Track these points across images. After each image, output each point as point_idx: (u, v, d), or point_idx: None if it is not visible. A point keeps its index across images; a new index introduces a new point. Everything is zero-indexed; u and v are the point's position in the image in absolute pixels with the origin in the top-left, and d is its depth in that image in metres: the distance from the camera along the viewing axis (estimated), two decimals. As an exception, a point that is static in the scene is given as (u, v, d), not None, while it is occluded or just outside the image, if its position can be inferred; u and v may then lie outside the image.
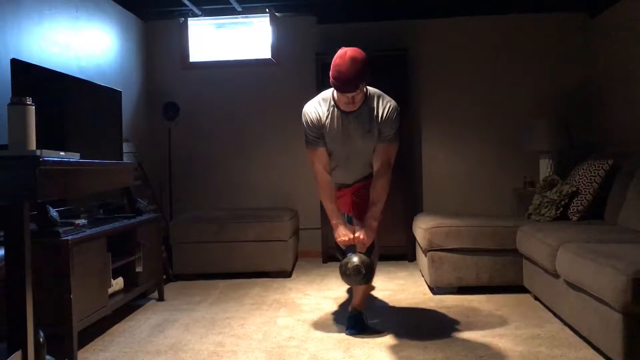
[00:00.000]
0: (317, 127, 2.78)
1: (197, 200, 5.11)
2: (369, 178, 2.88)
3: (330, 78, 2.62)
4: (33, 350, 1.75)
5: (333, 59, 2.62)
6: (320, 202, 3.23)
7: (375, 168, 2.83)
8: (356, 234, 2.78)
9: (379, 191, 2.79)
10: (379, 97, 2.79)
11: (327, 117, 2.77)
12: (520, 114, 4.89)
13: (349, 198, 3.02)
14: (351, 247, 2.80)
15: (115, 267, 3.00)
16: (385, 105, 2.77)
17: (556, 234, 3.04)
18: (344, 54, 2.59)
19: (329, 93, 2.80)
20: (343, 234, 2.79)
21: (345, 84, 2.58)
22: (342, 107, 2.73)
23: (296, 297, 3.66)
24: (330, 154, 2.86)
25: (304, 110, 2.83)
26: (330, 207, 2.85)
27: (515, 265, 3.58)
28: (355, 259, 2.69)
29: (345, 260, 2.73)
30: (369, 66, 2.62)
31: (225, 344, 2.74)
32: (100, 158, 2.92)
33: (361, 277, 2.68)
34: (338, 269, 2.78)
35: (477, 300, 3.46)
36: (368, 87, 2.78)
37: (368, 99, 2.76)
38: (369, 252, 2.78)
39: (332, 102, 2.76)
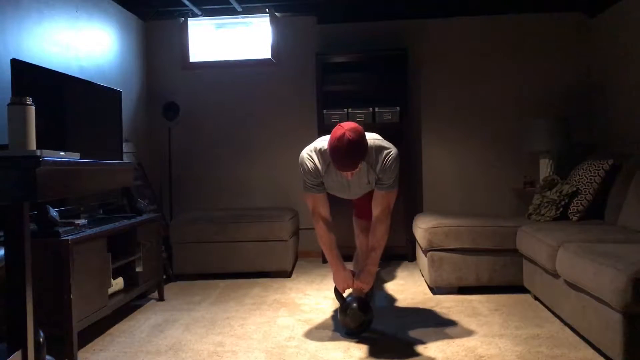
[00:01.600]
0: (315, 176, 2.83)
1: (197, 200, 5.11)
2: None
3: (330, 155, 2.64)
4: (33, 350, 1.75)
5: (331, 137, 2.61)
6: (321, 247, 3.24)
7: (374, 214, 2.87)
8: (355, 281, 2.86)
9: (378, 237, 2.84)
10: (377, 151, 2.79)
11: (325, 171, 2.82)
12: (520, 114, 4.89)
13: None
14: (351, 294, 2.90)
15: (115, 267, 3.00)
16: (384, 159, 2.78)
17: (556, 234, 3.04)
18: (341, 137, 2.56)
19: (326, 143, 2.76)
20: (343, 281, 2.87)
21: (345, 166, 2.62)
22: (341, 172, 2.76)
23: (296, 297, 3.66)
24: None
25: (301, 158, 2.85)
26: (330, 255, 2.91)
27: (515, 265, 3.58)
28: (354, 305, 2.77)
29: (345, 305, 2.81)
30: (366, 143, 2.64)
31: (225, 344, 2.74)
32: (100, 158, 2.92)
33: (360, 323, 2.77)
34: (337, 313, 2.87)
35: (477, 300, 3.46)
36: (369, 140, 2.74)
37: (367, 155, 2.74)
38: (368, 296, 2.86)
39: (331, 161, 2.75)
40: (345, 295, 2.91)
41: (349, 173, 2.67)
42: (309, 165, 2.80)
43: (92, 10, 4.05)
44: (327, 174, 2.82)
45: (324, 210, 2.88)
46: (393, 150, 2.82)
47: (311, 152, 2.84)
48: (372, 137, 2.81)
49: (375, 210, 2.86)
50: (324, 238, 2.89)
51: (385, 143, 2.84)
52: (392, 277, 4.18)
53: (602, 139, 4.62)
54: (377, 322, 3.00)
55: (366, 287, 2.85)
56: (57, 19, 3.56)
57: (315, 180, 2.83)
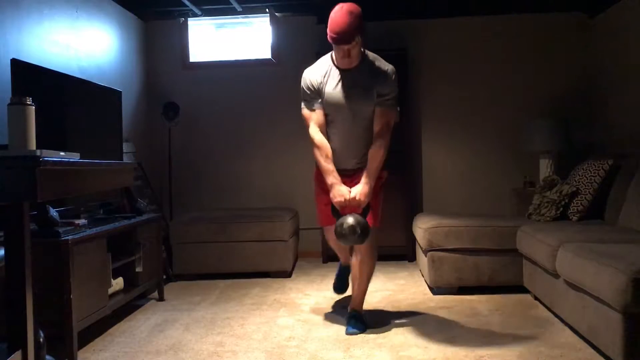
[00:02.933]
0: (316, 86, 2.84)
1: (197, 200, 5.11)
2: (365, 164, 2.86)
3: (328, 32, 2.71)
4: (33, 350, 1.75)
5: (330, 14, 2.71)
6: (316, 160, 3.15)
7: (375, 130, 2.85)
8: (352, 194, 2.75)
9: (377, 150, 2.80)
10: (376, 59, 2.88)
11: (325, 75, 2.84)
12: (520, 114, 4.89)
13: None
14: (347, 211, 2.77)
15: (115, 267, 3.00)
16: (383, 67, 2.86)
17: (556, 234, 3.04)
18: (340, 8, 2.70)
19: (327, 56, 2.89)
20: (339, 195, 2.76)
21: (341, 35, 2.67)
22: (340, 63, 2.81)
23: (296, 297, 3.66)
24: (327, 124, 2.87)
25: (303, 73, 2.91)
26: (325, 167, 2.82)
27: (515, 265, 3.58)
28: (350, 219, 2.66)
29: (340, 220, 2.70)
30: (364, 21, 2.73)
31: (225, 344, 2.74)
32: (100, 158, 2.92)
33: (357, 237, 2.65)
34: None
35: (477, 300, 3.46)
36: (367, 52, 2.87)
37: (366, 59, 2.84)
38: (365, 213, 2.75)
39: (331, 62, 2.85)
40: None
41: (346, 50, 2.70)
42: (310, 74, 2.87)
43: (92, 10, 4.05)
44: (328, 78, 2.83)
45: (320, 121, 2.84)
46: (391, 65, 2.90)
47: (313, 65, 2.92)
48: (371, 52, 2.93)
49: (376, 127, 2.83)
50: (321, 147, 2.82)
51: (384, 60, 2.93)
52: (392, 277, 4.18)
53: (602, 139, 4.62)
54: (377, 322, 3.00)
55: (363, 199, 2.74)
56: (57, 19, 3.56)
57: (313, 90, 2.84)
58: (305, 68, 2.94)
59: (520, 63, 4.94)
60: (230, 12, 4.92)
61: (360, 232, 2.64)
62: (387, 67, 2.87)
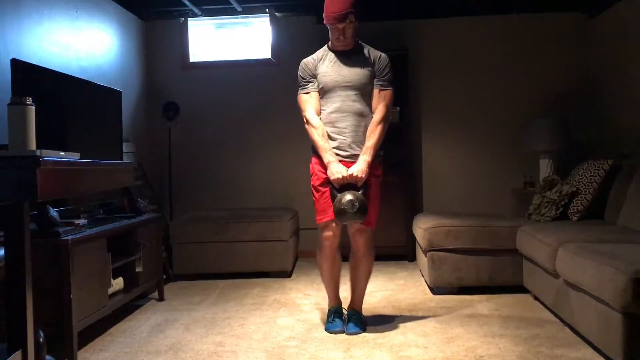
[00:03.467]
0: (311, 68, 2.92)
1: (197, 200, 5.11)
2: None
3: (323, 13, 2.80)
4: (33, 350, 1.75)
5: None
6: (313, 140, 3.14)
7: (373, 106, 2.90)
8: (349, 171, 2.75)
9: (376, 124, 2.83)
10: (370, 48, 2.98)
11: (321, 58, 2.93)
12: (520, 113, 4.89)
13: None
14: (345, 187, 2.76)
15: (115, 267, 3.00)
16: (377, 53, 2.95)
17: (556, 234, 3.04)
18: None
19: (324, 45, 2.99)
20: (337, 172, 2.75)
21: (335, 14, 2.76)
22: (335, 45, 2.90)
23: (296, 297, 3.66)
24: (322, 109, 2.91)
25: (301, 62, 2.98)
26: (322, 144, 2.82)
27: (515, 265, 3.58)
28: (348, 195, 2.66)
29: (339, 197, 2.70)
30: (358, 2, 2.80)
31: (225, 344, 2.74)
32: (100, 158, 2.91)
33: (355, 212, 2.64)
34: (332, 206, 2.74)
35: (477, 300, 3.45)
36: (362, 42, 2.96)
37: (360, 45, 2.95)
38: (364, 190, 2.74)
39: (327, 48, 2.95)
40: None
41: (340, 28, 2.78)
42: (307, 61, 2.96)
43: (92, 10, 4.05)
44: (324, 61, 2.91)
45: (316, 104, 2.90)
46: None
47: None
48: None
49: (374, 104, 2.89)
50: (318, 129, 2.84)
51: None
52: (392, 277, 4.18)
53: (602, 139, 4.62)
54: (377, 322, 3.00)
55: (361, 176, 2.73)
56: (57, 19, 3.56)
57: (310, 73, 2.91)
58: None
59: (520, 63, 4.94)
60: (230, 12, 4.92)
61: (359, 207, 2.64)
62: (381, 53, 2.97)
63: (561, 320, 2.95)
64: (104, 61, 4.24)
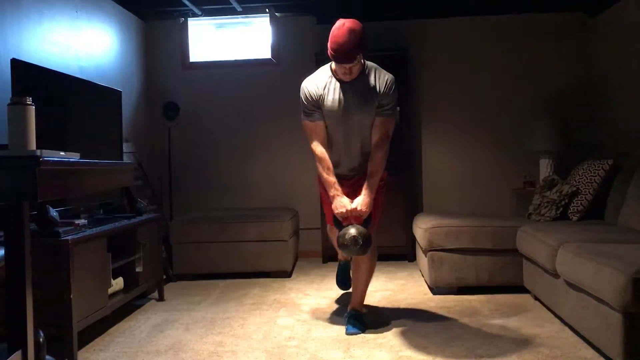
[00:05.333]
0: (315, 98, 2.82)
1: (197, 200, 5.11)
2: (366, 169, 2.87)
3: (329, 49, 2.68)
4: (33, 350, 1.75)
5: (331, 30, 2.67)
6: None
7: (373, 140, 2.84)
8: (353, 205, 2.76)
9: (377, 162, 2.80)
10: (376, 69, 2.85)
11: (325, 87, 2.82)
12: (520, 114, 4.89)
13: (346, 193, 2.99)
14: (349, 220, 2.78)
15: (115, 267, 3.00)
16: (383, 78, 2.82)
17: (556, 234, 3.04)
18: (342, 25, 2.65)
19: (327, 66, 2.86)
20: (341, 206, 2.77)
21: (343, 54, 2.64)
22: (340, 77, 2.79)
23: (296, 297, 3.66)
24: (327, 134, 2.87)
25: (302, 84, 2.88)
26: (327, 179, 2.83)
27: (515, 265, 3.58)
28: (352, 230, 2.67)
29: (342, 231, 2.71)
30: (366, 37, 2.68)
31: (225, 344, 2.74)
32: (100, 158, 2.92)
33: (358, 248, 2.65)
34: (335, 240, 2.77)
35: (477, 300, 3.45)
36: (367, 62, 2.84)
37: (365, 70, 2.82)
38: (366, 223, 2.75)
39: (330, 73, 2.83)
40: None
41: (347, 67, 2.68)
42: (309, 86, 2.84)
43: (92, 10, 4.05)
44: (327, 90, 2.81)
45: (321, 135, 2.85)
46: (390, 74, 2.88)
47: (312, 75, 2.90)
48: (371, 62, 2.89)
49: (375, 137, 2.83)
50: (322, 160, 2.84)
51: (383, 69, 2.90)
52: (392, 277, 4.18)
53: (602, 139, 4.62)
54: (377, 322, 3.00)
55: (365, 211, 2.75)
56: (57, 19, 3.56)
57: (313, 103, 2.82)
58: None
59: (520, 63, 4.94)
60: (230, 12, 4.92)
61: (362, 243, 2.66)
62: (387, 76, 2.84)
63: (561, 320, 2.95)
64: (104, 61, 4.24)
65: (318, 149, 2.85)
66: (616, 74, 4.39)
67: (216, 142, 5.14)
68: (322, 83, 2.83)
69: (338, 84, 2.80)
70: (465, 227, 3.63)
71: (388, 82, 2.82)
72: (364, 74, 2.80)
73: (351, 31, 2.61)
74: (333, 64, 2.79)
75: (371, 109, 2.80)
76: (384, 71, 2.86)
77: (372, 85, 2.80)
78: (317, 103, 2.82)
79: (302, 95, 2.86)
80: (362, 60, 2.76)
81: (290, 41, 5.06)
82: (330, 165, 2.84)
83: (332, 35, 2.66)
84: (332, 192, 2.81)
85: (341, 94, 2.79)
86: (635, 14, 4.04)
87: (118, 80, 4.39)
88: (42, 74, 2.86)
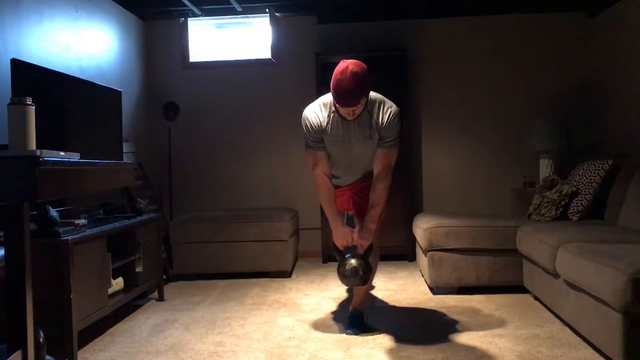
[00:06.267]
0: (317, 131, 2.78)
1: (197, 200, 5.11)
2: (369, 178, 2.87)
3: (332, 91, 2.62)
4: (33, 350, 1.75)
5: (334, 72, 2.59)
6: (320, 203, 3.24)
7: (375, 172, 2.83)
8: (354, 236, 2.79)
9: (379, 194, 2.80)
10: (380, 102, 2.78)
11: (327, 122, 2.77)
12: (520, 114, 4.90)
13: (348, 196, 3.02)
14: (350, 249, 2.81)
15: (115, 267, 3.00)
16: (386, 111, 2.76)
17: (556, 234, 3.04)
18: (345, 69, 2.55)
19: (329, 98, 2.78)
20: (342, 237, 2.80)
21: (347, 99, 2.58)
22: (343, 115, 2.73)
23: (296, 297, 3.66)
24: (329, 158, 2.86)
25: (304, 114, 2.83)
26: (329, 210, 2.85)
27: (515, 265, 3.58)
28: (352, 261, 2.70)
29: (343, 262, 2.73)
30: (370, 79, 2.61)
31: (225, 344, 2.74)
32: (100, 158, 2.91)
33: (358, 279, 2.69)
34: (336, 270, 2.79)
35: (477, 300, 3.46)
36: (371, 94, 2.76)
37: (369, 104, 2.74)
38: (367, 253, 2.78)
39: (333, 108, 2.74)
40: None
41: (350, 110, 2.65)
42: (311, 119, 2.79)
43: (92, 10, 4.05)
44: (330, 125, 2.78)
45: (324, 165, 2.84)
46: (394, 106, 2.82)
47: (314, 105, 2.84)
48: (374, 93, 2.82)
49: (377, 168, 2.82)
50: (324, 192, 2.84)
51: (387, 100, 2.84)
52: (392, 277, 4.18)
53: (602, 139, 4.62)
54: (377, 322, 3.00)
55: (365, 244, 2.77)
56: (57, 19, 3.56)
57: (316, 135, 2.80)
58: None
59: (521, 63, 4.94)
60: (230, 12, 4.92)
61: (362, 274, 2.69)
62: (390, 110, 2.78)
63: (561, 320, 2.95)
64: (104, 61, 4.24)
65: (320, 180, 2.85)
66: (616, 74, 4.39)
67: (216, 142, 5.14)
68: (323, 116, 2.78)
69: (340, 118, 2.75)
70: (465, 227, 3.63)
71: (391, 116, 2.76)
72: (366, 108, 2.74)
73: (355, 75, 2.53)
74: (335, 103, 2.73)
75: (373, 142, 2.79)
76: (388, 103, 2.80)
77: (374, 120, 2.75)
78: (319, 135, 2.80)
79: (304, 126, 2.82)
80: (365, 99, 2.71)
81: (290, 41, 5.07)
82: (332, 197, 2.85)
83: (336, 79, 2.57)
84: (333, 224, 2.85)
85: (344, 129, 2.76)
86: (635, 14, 4.04)
87: (118, 80, 4.39)
88: (42, 74, 2.86)
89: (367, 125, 2.75)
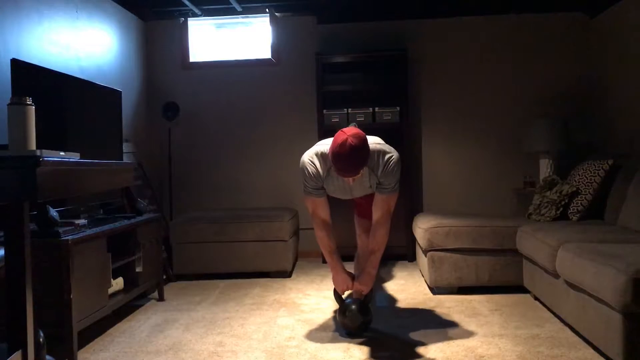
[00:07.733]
0: (316, 179, 2.80)
1: (197, 200, 5.11)
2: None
3: (332, 162, 2.60)
4: (33, 350, 1.75)
5: (333, 143, 2.56)
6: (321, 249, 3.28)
7: (374, 218, 2.85)
8: (355, 282, 2.87)
9: (378, 241, 2.83)
10: (379, 154, 2.76)
11: (327, 175, 2.80)
12: (520, 114, 4.90)
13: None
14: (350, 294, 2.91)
15: (115, 267, 3.00)
16: (386, 162, 2.75)
17: (556, 234, 3.04)
18: (344, 143, 2.51)
19: (327, 147, 2.74)
20: (342, 282, 2.88)
21: (347, 172, 2.58)
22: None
23: (296, 297, 3.66)
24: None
25: (302, 162, 2.82)
26: (329, 257, 2.92)
27: (515, 265, 3.58)
28: (353, 307, 2.78)
29: (343, 307, 2.82)
30: (368, 149, 2.59)
31: (225, 344, 2.74)
32: (100, 158, 2.92)
33: (357, 326, 2.78)
34: (336, 314, 2.88)
35: (477, 300, 3.46)
36: (372, 146, 2.72)
37: (369, 162, 2.73)
38: (367, 298, 2.86)
39: (331, 163, 2.70)
40: (344, 297, 2.91)
41: (350, 178, 2.67)
42: (310, 169, 2.79)
43: (92, 10, 4.05)
44: (328, 177, 2.81)
45: (324, 213, 2.88)
46: (394, 154, 2.79)
47: (312, 156, 2.81)
48: (373, 142, 2.79)
49: (376, 214, 2.85)
50: (324, 242, 2.91)
51: (387, 147, 2.81)
52: (392, 277, 4.18)
53: (602, 139, 4.62)
54: (377, 322, 3.00)
55: (365, 290, 2.86)
56: (57, 19, 3.56)
57: (316, 184, 2.81)
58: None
59: (520, 63, 4.94)
60: (230, 12, 4.92)
61: (361, 323, 2.78)
62: (391, 159, 2.76)
63: (561, 320, 2.95)
64: (104, 61, 4.24)
65: (320, 231, 2.90)
66: (616, 74, 4.39)
67: (216, 142, 5.14)
68: (323, 171, 2.79)
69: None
70: (465, 227, 3.63)
71: (390, 165, 2.75)
72: (367, 166, 2.74)
73: (354, 150, 2.50)
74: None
75: (372, 190, 2.85)
76: (388, 152, 2.77)
77: (374, 171, 2.77)
78: (319, 184, 2.82)
79: (302, 174, 2.82)
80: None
81: (290, 41, 5.07)
82: (333, 246, 2.90)
83: (335, 152, 2.54)
84: (333, 270, 2.91)
85: (344, 181, 2.79)
86: (635, 14, 4.04)
87: (118, 80, 4.39)
88: (42, 74, 2.86)
89: (368, 177, 2.80)
